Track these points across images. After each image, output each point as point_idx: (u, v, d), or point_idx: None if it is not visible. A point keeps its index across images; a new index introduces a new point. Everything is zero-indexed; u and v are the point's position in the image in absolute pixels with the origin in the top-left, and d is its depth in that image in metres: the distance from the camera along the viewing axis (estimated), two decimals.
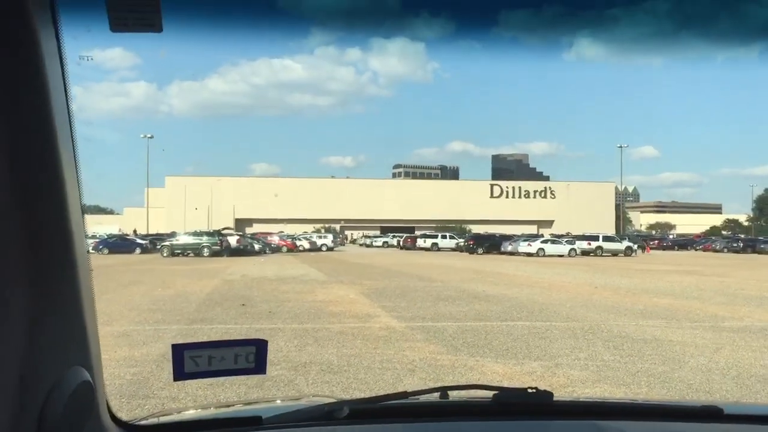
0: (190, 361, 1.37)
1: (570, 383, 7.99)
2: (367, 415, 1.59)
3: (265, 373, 1.44)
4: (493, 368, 8.80)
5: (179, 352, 1.36)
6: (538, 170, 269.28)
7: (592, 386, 7.84)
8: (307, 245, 64.57)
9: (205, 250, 49.00)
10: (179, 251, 48.83)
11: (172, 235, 53.47)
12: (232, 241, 53.09)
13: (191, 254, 48.40)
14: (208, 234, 53.66)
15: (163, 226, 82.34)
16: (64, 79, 1.09)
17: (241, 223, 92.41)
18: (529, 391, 1.60)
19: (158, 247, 52.22)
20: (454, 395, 1.79)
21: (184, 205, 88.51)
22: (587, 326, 12.69)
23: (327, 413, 1.55)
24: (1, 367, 1.03)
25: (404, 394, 1.64)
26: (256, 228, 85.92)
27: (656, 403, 2.02)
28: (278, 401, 2.41)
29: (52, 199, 1.10)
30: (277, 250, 59.82)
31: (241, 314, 14.17)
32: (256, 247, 55.49)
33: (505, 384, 7.71)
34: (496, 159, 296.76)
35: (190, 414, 1.95)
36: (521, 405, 1.61)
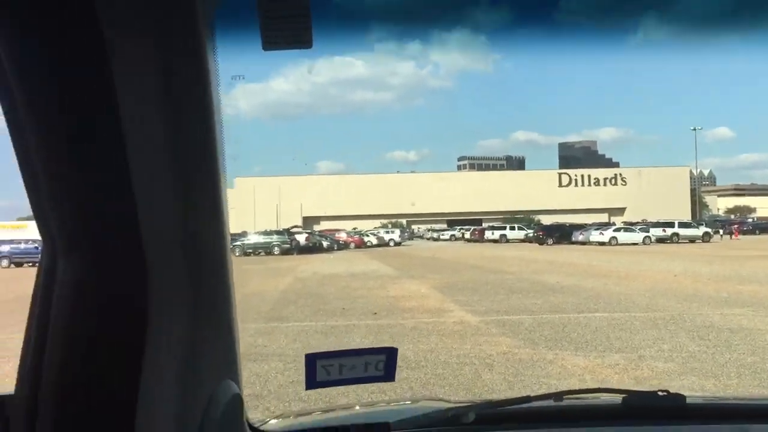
0: (321, 369, 1.37)
1: (655, 375, 7.76)
2: (491, 420, 1.56)
3: (393, 380, 1.43)
4: (573, 361, 8.63)
5: (312, 361, 1.37)
6: (607, 157, 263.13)
7: (679, 379, 7.59)
8: (374, 241, 64.86)
9: (276, 248, 49.89)
10: (251, 250, 49.85)
11: (243, 234, 54.52)
12: (301, 239, 53.86)
13: (262, 253, 49.39)
14: (278, 233, 54.59)
15: (234, 226, 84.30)
16: (217, 97, 1.11)
17: (309, 221, 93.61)
18: (660, 393, 1.53)
19: (231, 246, 53.38)
20: (579, 399, 1.74)
21: (253, 205, 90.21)
22: (669, 316, 12.30)
23: (453, 418, 1.53)
24: (166, 381, 1.05)
25: (527, 399, 1.60)
26: (323, 225, 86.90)
27: None
28: (395, 404, 2.40)
29: (206, 209, 1.13)
30: (344, 246, 60.29)
31: (316, 312, 14.33)
32: (325, 244, 56.12)
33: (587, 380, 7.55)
34: (563, 147, 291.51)
35: (318, 417, 1.96)
36: (652, 408, 1.55)
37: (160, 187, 1.05)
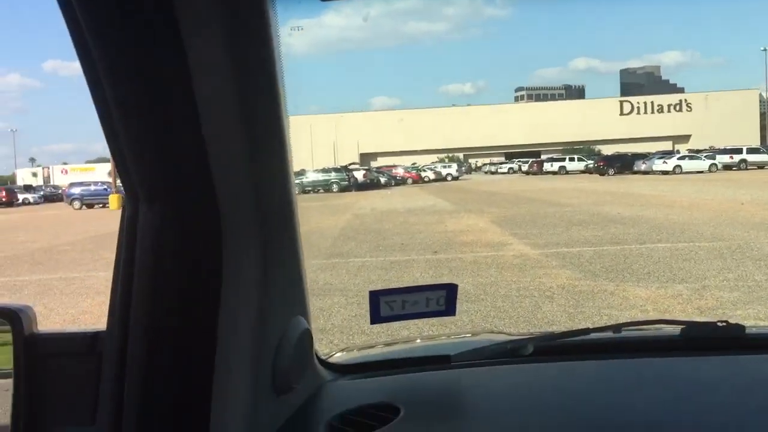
0: (385, 305, 1.44)
1: (720, 305, 7.66)
2: (550, 352, 1.60)
3: (454, 314, 1.48)
4: (635, 293, 8.58)
5: (376, 297, 1.43)
6: (671, 82, 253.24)
7: (744, 308, 7.48)
8: (432, 176, 64.69)
9: (334, 185, 50.33)
10: (309, 188, 50.41)
11: (302, 173, 55.12)
12: (359, 175, 54.13)
13: (321, 190, 49.93)
14: (336, 170, 54.93)
15: (293, 167, 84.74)
16: (278, 53, 1.15)
17: (366, 158, 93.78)
18: (719, 324, 1.54)
19: None
20: (638, 331, 1.76)
21: (310, 143, 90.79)
22: (735, 245, 12.03)
23: (512, 350, 1.58)
24: (242, 319, 1.14)
25: (586, 331, 1.63)
26: (381, 162, 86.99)
27: None
28: (456, 337, 2.47)
29: (272, 152, 1.19)
30: (402, 182, 60.36)
31: (375, 247, 14.52)
32: (382, 180, 56.30)
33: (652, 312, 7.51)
34: (624, 74, 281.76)
35: (381, 350, 2.04)
36: (711, 339, 1.56)
37: (229, 142, 1.10)
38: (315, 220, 22.28)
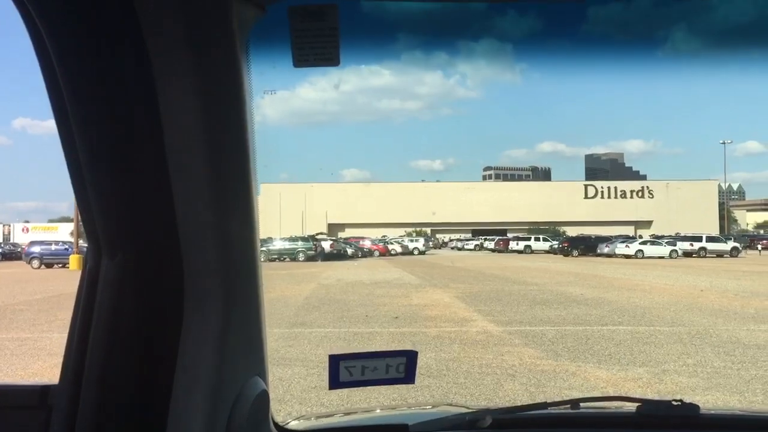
0: (344, 370, 1.43)
1: (679, 390, 7.70)
2: (509, 425, 1.60)
3: (413, 382, 1.48)
4: (596, 374, 8.59)
5: (335, 362, 1.43)
6: (634, 169, 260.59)
7: (703, 393, 7.52)
8: (398, 249, 64.82)
9: (301, 254, 50.12)
10: (276, 256, 50.10)
11: (269, 240, 54.83)
12: (326, 245, 54.03)
13: (287, 259, 49.62)
14: (303, 239, 54.78)
15: (260, 232, 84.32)
16: (251, 108, 1.19)
17: (333, 228, 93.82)
18: (674, 403, 1.56)
19: None
20: (593, 406, 1.78)
21: (279, 211, 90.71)
22: (694, 331, 12.18)
23: (470, 422, 1.57)
24: (198, 377, 1.13)
25: (544, 405, 1.64)
26: (348, 233, 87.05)
27: None
28: (416, 408, 2.45)
29: (239, 215, 1.20)
30: (369, 254, 60.32)
31: (339, 318, 14.39)
32: (349, 251, 56.22)
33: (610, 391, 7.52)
34: (590, 159, 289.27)
35: (338, 419, 2.01)
36: (666, 418, 1.58)
37: (197, 193, 1.12)
38: (280, 288, 22.07)
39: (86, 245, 1.19)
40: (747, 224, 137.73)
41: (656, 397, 7.28)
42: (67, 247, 44.07)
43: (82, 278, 1.17)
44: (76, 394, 1.09)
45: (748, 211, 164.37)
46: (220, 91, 1.12)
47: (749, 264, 41.16)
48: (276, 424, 1.50)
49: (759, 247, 67.84)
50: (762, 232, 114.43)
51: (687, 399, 1.60)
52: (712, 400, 7.26)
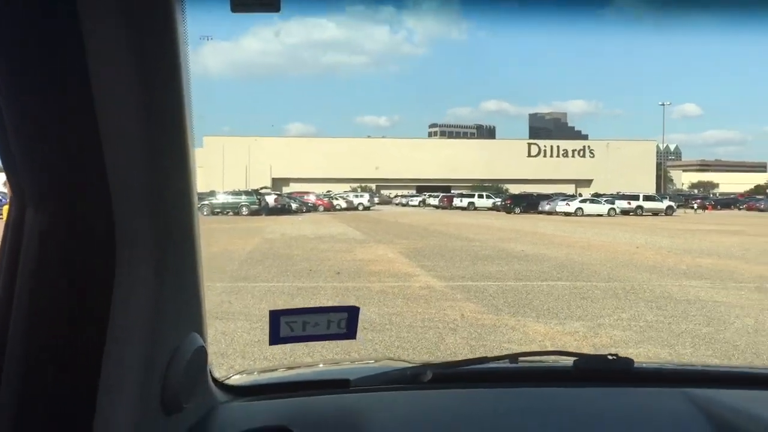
0: (285, 326, 1.41)
1: (613, 343, 7.97)
2: (449, 379, 1.61)
3: (355, 338, 1.47)
4: (534, 328, 8.81)
5: (276, 317, 1.40)
6: (576, 129, 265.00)
7: (636, 347, 7.81)
8: (343, 204, 64.80)
9: (244, 209, 49.62)
10: (219, 210, 49.49)
11: (212, 194, 54.03)
12: (270, 200, 53.60)
13: (230, 213, 49.11)
14: (247, 193, 54.23)
15: (202, 185, 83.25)
16: (185, 56, 1.12)
17: (278, 183, 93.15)
18: (610, 357, 1.60)
19: (198, 205, 52.97)
20: (532, 361, 1.81)
21: (222, 164, 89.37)
22: (629, 286, 12.59)
23: (411, 376, 1.58)
24: (132, 331, 1.08)
25: (484, 359, 1.66)
26: (293, 187, 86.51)
27: (739, 370, 2.00)
28: (358, 363, 2.46)
29: (175, 163, 1.14)
30: (313, 209, 60.14)
31: (283, 272, 14.36)
32: (293, 206, 55.92)
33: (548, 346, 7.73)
34: (534, 118, 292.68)
35: (280, 374, 2.00)
36: (602, 372, 1.61)
37: (128, 144, 1.05)
38: (223, 242, 21.85)
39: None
40: (682, 184, 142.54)
41: (592, 352, 7.53)
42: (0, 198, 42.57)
43: (5, 231, 1.10)
44: (1, 352, 1.04)
45: (683, 171, 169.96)
46: (151, 35, 1.05)
47: (683, 222, 42.65)
48: (215, 380, 1.47)
49: (694, 206, 70.37)
50: (696, 191, 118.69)
51: (621, 352, 1.64)
52: (644, 352, 7.54)
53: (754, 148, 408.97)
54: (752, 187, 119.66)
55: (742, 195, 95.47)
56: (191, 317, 1.26)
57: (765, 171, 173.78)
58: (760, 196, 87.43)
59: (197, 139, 1.21)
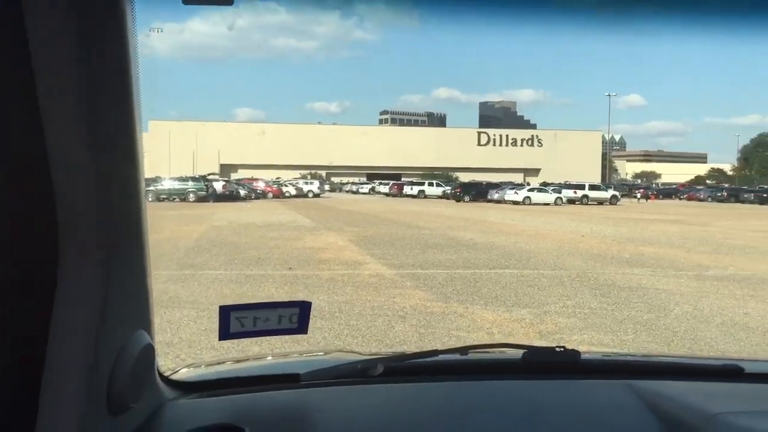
0: (236, 321, 1.39)
1: (558, 330, 8.13)
2: (400, 373, 1.61)
3: (306, 332, 1.46)
4: (482, 315, 8.92)
5: (226, 312, 1.38)
6: (525, 118, 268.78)
7: (580, 333, 7.97)
8: (293, 191, 64.36)
9: (191, 195, 48.84)
10: (165, 196, 48.60)
11: (158, 180, 53.03)
12: (218, 186, 52.93)
13: (177, 199, 48.28)
14: (194, 179, 53.35)
15: (148, 171, 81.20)
16: (133, 43, 1.08)
17: (226, 169, 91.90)
18: (557, 349, 1.62)
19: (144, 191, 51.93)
20: (483, 354, 1.82)
21: (168, 149, 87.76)
22: (574, 274, 12.84)
23: (362, 370, 1.57)
24: (77, 329, 1.04)
25: (435, 352, 1.66)
26: (242, 174, 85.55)
27: (678, 360, 2.05)
28: (308, 355, 2.44)
29: (120, 153, 1.10)
30: (262, 196, 59.57)
31: (231, 260, 14.20)
32: (242, 192, 55.29)
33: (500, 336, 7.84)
34: (484, 106, 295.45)
35: (229, 367, 1.96)
36: (549, 363, 1.63)
37: (72, 129, 1.02)
38: (168, 229, 21.48)
39: None
40: (626, 174, 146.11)
41: (538, 338, 7.67)
42: None
43: None
44: None
45: (628, 161, 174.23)
46: (97, 21, 1.01)
47: (627, 212, 43.73)
48: (163, 377, 1.44)
49: (637, 195, 72.29)
50: (639, 181, 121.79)
51: (566, 339, 1.66)
52: (587, 338, 7.71)
53: (694, 139, 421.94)
54: (693, 177, 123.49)
55: (683, 185, 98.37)
56: (138, 313, 1.22)
57: (705, 162, 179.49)
58: (700, 187, 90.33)
59: (143, 123, 1.17)
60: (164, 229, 21.10)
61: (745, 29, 1.82)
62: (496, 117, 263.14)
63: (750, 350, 7.50)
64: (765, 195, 68.75)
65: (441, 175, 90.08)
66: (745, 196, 70.36)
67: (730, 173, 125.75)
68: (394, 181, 76.99)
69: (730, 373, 1.65)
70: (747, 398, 1.52)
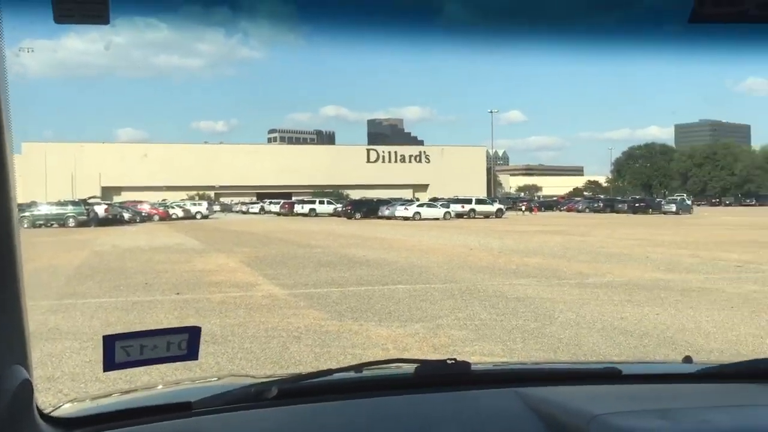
0: (121, 351, 1.33)
1: (452, 342, 8.30)
2: (295, 394, 1.60)
3: (197, 358, 1.42)
4: (377, 332, 8.98)
5: (110, 342, 1.32)
6: (412, 135, 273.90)
7: (472, 344, 8.17)
8: (180, 213, 62.58)
9: (71, 220, 46.55)
10: (41, 222, 46.07)
11: (32, 205, 50.17)
12: (100, 210, 50.82)
13: (55, 225, 45.84)
14: (74, 203, 50.92)
15: (21, 196, 76.98)
16: (2, 68, 1.03)
17: (108, 192, 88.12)
18: (449, 362, 1.66)
19: (18, 217, 48.98)
20: (377, 370, 1.83)
21: (44, 173, 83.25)
22: (464, 287, 13.17)
23: (256, 394, 1.54)
24: None
25: (329, 372, 1.66)
26: (125, 196, 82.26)
27: (564, 366, 2.15)
28: (200, 382, 2.36)
29: None
30: (148, 218, 57.56)
31: (115, 287, 13.61)
32: (126, 216, 53.30)
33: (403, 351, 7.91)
34: (372, 124, 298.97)
35: (115, 399, 1.87)
36: (441, 376, 1.67)
37: None
38: (47, 256, 20.34)
39: None
40: (510, 187, 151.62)
41: (432, 351, 7.80)
42: None
43: None
44: None
45: (511, 175, 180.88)
46: None
47: (512, 224, 45.35)
48: (43, 414, 1.36)
49: (522, 208, 75.34)
50: (523, 194, 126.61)
51: (459, 351, 1.71)
52: (479, 349, 7.91)
53: (571, 153, 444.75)
54: (571, 189, 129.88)
55: (562, 197, 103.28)
56: (13, 348, 1.16)
57: (582, 174, 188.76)
58: (578, 198, 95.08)
59: (15, 145, 1.12)
60: (41, 257, 19.96)
61: (613, 48, 1.95)
62: (384, 134, 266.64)
63: (629, 353, 7.93)
64: (636, 204, 73.52)
65: (332, 192, 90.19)
66: (620, 206, 74.99)
67: (605, 185, 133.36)
68: (285, 200, 76.37)
69: (609, 375, 1.75)
70: (625, 399, 1.62)
